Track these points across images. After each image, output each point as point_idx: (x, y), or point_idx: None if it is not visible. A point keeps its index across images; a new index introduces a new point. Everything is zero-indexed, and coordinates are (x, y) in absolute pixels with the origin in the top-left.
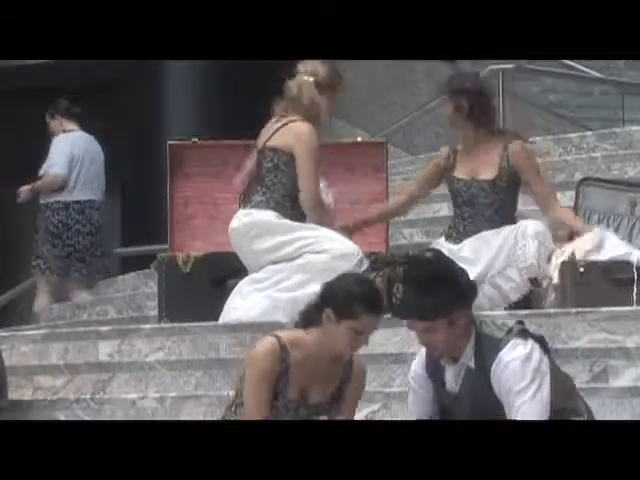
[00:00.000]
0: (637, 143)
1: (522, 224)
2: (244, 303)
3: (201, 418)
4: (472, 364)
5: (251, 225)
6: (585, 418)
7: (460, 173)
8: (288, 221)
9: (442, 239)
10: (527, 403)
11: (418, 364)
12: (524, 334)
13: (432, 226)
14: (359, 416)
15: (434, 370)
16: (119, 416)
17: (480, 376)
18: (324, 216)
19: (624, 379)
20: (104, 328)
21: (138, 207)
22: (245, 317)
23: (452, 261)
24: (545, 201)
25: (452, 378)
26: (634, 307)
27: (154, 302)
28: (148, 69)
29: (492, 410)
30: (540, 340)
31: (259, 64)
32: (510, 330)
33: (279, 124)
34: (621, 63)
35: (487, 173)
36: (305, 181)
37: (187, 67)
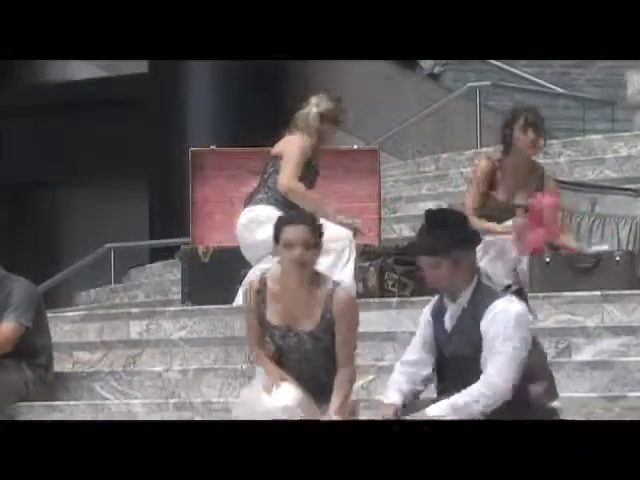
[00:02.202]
0: (596, 150)
1: None
2: None
3: (219, 388)
4: (466, 305)
5: (253, 218)
6: (543, 389)
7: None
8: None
9: None
10: (508, 353)
11: (427, 307)
12: (522, 294)
13: (418, 222)
14: (355, 386)
15: (437, 313)
16: (147, 386)
17: (471, 316)
18: (299, 202)
19: (585, 354)
20: (134, 310)
21: (163, 205)
22: None
23: (462, 216)
24: None
25: (449, 318)
26: (593, 292)
27: (178, 287)
28: (174, 78)
29: (472, 348)
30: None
31: (280, 69)
32: (509, 286)
33: (282, 139)
34: (583, 80)
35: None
36: (281, 171)
37: (209, 74)
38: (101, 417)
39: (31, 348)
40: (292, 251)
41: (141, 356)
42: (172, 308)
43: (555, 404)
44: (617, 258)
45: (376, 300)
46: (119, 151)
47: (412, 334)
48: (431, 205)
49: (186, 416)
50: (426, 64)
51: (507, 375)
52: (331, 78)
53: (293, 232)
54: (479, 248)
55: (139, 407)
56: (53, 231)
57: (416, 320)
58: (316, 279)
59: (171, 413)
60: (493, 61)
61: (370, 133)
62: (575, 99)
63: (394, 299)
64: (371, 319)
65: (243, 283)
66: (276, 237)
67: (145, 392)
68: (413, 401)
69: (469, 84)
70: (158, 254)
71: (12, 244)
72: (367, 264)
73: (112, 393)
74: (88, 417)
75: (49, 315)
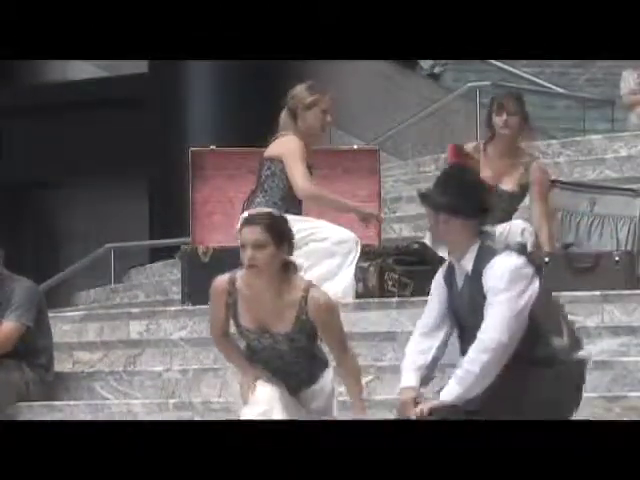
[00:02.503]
0: (596, 150)
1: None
2: None
3: (219, 388)
4: (472, 265)
5: None
6: (565, 343)
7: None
8: (286, 215)
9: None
10: (502, 305)
11: (439, 273)
12: (522, 250)
13: (418, 222)
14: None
15: (448, 276)
16: (147, 386)
17: (475, 277)
18: (320, 203)
19: (585, 354)
20: (135, 310)
21: (164, 205)
22: None
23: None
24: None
25: (458, 279)
26: (592, 292)
27: (178, 287)
28: (175, 78)
29: (482, 308)
30: (538, 264)
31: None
32: (509, 244)
33: (274, 139)
34: (582, 80)
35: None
36: (292, 178)
37: (209, 74)
38: (101, 417)
39: (32, 348)
40: (244, 252)
41: (141, 356)
42: (172, 308)
43: (581, 354)
44: (616, 258)
45: (376, 300)
46: (119, 151)
47: (412, 334)
48: None
49: (186, 416)
50: (426, 64)
51: (501, 327)
52: (331, 78)
53: (244, 233)
54: None
55: (139, 407)
56: (53, 231)
57: (416, 320)
58: (286, 280)
59: (171, 413)
60: (493, 61)
61: (370, 133)
62: (575, 99)
63: (394, 299)
64: (371, 319)
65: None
66: (240, 239)
67: (145, 392)
68: (431, 377)
69: (469, 84)
70: (158, 254)
71: (12, 244)
72: (367, 264)
73: (112, 393)
74: (88, 417)
75: (49, 315)
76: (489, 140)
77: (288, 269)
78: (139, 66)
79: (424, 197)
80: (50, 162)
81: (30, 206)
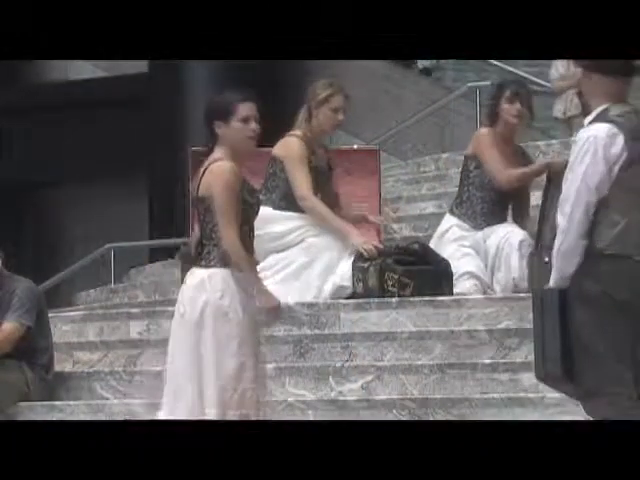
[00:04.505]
0: None
1: (508, 231)
2: None
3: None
4: None
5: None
6: None
7: None
8: (284, 212)
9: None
10: (570, 176)
11: None
12: (608, 118)
13: (418, 222)
14: (355, 386)
15: None
16: (147, 386)
17: None
18: (316, 208)
19: None
20: (134, 310)
21: (164, 205)
22: None
23: None
24: None
25: None
26: None
27: (177, 287)
28: (175, 78)
29: None
30: (632, 129)
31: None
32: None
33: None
34: None
35: None
36: (292, 184)
37: (209, 74)
38: (101, 417)
39: (32, 348)
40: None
41: (141, 356)
42: (172, 308)
43: None
44: None
45: (376, 300)
46: (119, 151)
47: (412, 334)
48: (431, 205)
49: None
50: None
51: None
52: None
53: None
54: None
55: (139, 407)
56: (53, 231)
57: (416, 320)
58: None
59: None
60: (493, 61)
61: (370, 133)
62: None
63: (394, 299)
64: (371, 319)
65: None
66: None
67: (145, 392)
68: None
69: (469, 84)
70: (158, 254)
71: (12, 244)
72: (367, 264)
73: (112, 393)
74: (88, 417)
75: (49, 315)
76: (490, 128)
77: None
78: (139, 66)
79: None
80: (50, 162)
81: (30, 206)
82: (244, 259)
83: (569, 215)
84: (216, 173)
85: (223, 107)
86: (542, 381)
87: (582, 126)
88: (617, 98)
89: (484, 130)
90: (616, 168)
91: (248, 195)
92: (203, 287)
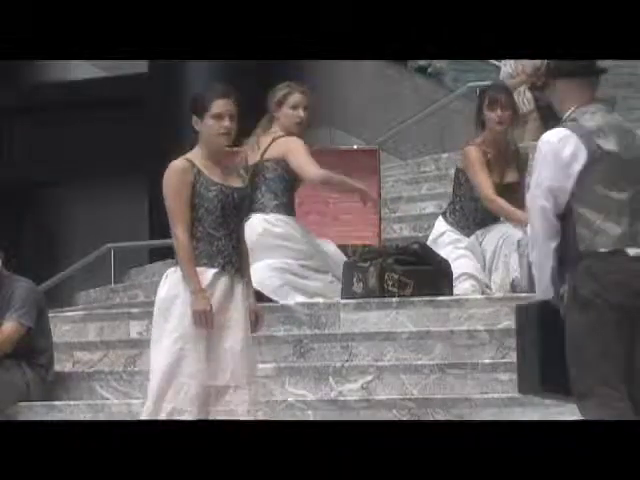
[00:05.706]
0: None
1: (507, 232)
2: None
3: None
4: None
5: (268, 232)
6: None
7: None
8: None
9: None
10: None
11: None
12: (568, 124)
13: (418, 222)
14: (355, 386)
15: None
16: (147, 386)
17: None
18: (331, 183)
19: None
20: (135, 310)
21: (163, 205)
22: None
23: None
24: None
25: None
26: None
27: None
28: (175, 78)
29: None
30: (593, 128)
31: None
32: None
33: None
34: None
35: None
36: (301, 169)
37: (209, 74)
38: (101, 417)
39: (32, 348)
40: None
41: (141, 356)
42: None
43: None
44: None
45: (376, 300)
46: (119, 151)
47: (412, 334)
48: (431, 205)
49: None
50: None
51: None
52: (331, 78)
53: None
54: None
55: (139, 407)
56: (53, 231)
57: (416, 320)
58: None
59: None
60: (493, 61)
61: (370, 133)
62: None
63: (394, 299)
64: (371, 319)
65: None
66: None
67: (145, 392)
68: None
69: (469, 84)
70: (158, 254)
71: (12, 244)
72: (367, 264)
73: (112, 393)
74: (88, 417)
75: (49, 315)
76: (482, 136)
77: None
78: (139, 66)
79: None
80: (50, 162)
81: (30, 206)
82: (184, 260)
83: (532, 223)
84: (166, 173)
85: (199, 103)
86: (524, 394)
87: (536, 121)
88: (582, 100)
89: (471, 148)
90: (576, 168)
91: (205, 190)
92: (161, 284)
